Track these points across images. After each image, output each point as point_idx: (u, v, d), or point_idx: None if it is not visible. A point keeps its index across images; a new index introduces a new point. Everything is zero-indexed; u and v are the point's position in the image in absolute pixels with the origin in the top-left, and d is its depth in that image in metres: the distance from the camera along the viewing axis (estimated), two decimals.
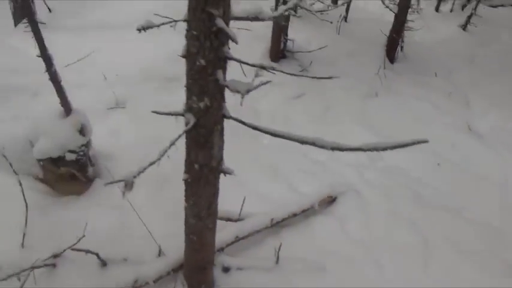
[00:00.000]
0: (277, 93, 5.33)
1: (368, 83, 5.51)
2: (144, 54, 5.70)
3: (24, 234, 2.68)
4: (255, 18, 1.72)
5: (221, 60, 1.67)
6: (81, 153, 3.34)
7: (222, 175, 2.09)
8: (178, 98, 5.22)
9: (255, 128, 1.84)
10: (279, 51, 5.77)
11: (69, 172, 3.41)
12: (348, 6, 7.30)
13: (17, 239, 2.79)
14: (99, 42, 5.94)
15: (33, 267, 2.30)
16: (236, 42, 1.47)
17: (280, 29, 5.54)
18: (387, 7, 5.96)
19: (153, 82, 5.45)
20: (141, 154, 4.09)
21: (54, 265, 2.62)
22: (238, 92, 1.61)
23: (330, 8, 4.99)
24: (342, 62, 5.91)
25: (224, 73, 1.73)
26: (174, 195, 3.39)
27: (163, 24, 1.67)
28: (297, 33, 6.18)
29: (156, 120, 4.69)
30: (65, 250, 2.60)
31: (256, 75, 1.59)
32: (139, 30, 1.64)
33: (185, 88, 1.82)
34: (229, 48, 1.68)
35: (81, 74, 5.33)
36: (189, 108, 1.82)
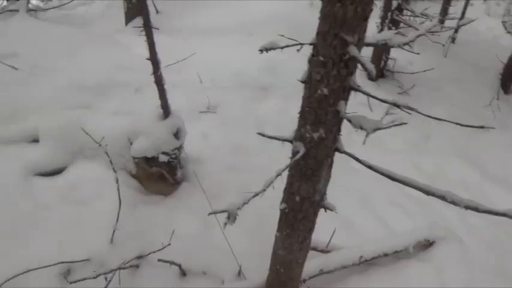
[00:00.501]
0: (372, 115, 5.03)
1: (477, 114, 4.96)
2: (240, 60, 5.76)
3: (114, 231, 2.75)
4: (384, 44, 1.53)
5: (345, 91, 1.51)
6: (173, 155, 3.39)
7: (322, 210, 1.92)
8: (267, 109, 5.18)
9: (369, 167, 1.65)
10: (378, 69, 5.45)
11: (160, 172, 3.49)
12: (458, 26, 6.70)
13: (106, 233, 2.88)
14: (198, 45, 6.13)
15: (119, 268, 2.34)
16: (373, 77, 1.29)
17: None
18: (509, 32, 5.32)
19: (246, 89, 5.45)
20: (228, 162, 4.11)
21: (137, 266, 2.66)
22: (362, 129, 1.43)
23: (443, 29, 4.56)
24: (448, 87, 5.41)
25: (346, 104, 1.56)
26: (259, 213, 3.31)
27: (287, 46, 1.55)
28: (399, 52, 5.80)
29: (244, 129, 4.69)
30: (149, 254, 2.63)
31: (387, 113, 1.40)
32: (261, 51, 1.54)
33: (298, 115, 1.68)
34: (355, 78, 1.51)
35: (179, 74, 5.52)
36: (299, 137, 1.68)
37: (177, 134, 3.37)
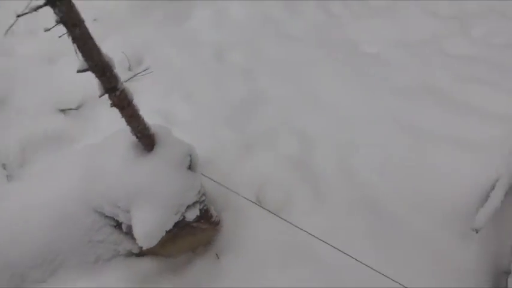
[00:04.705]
0: None
1: None
2: None
3: None
4: None
5: None
6: (203, 197, 1.90)
7: None
8: (199, 24, 3.47)
9: None
10: None
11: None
12: None
13: None
14: None
15: None
16: None
17: None
18: None
19: (153, 11, 3.58)
20: (225, 141, 2.56)
21: None
22: None
23: None
24: None
25: None
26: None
27: None
28: None
29: (206, 77, 3.07)
30: None
31: None
32: None
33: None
34: None
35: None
36: None
37: (190, 165, 1.82)
